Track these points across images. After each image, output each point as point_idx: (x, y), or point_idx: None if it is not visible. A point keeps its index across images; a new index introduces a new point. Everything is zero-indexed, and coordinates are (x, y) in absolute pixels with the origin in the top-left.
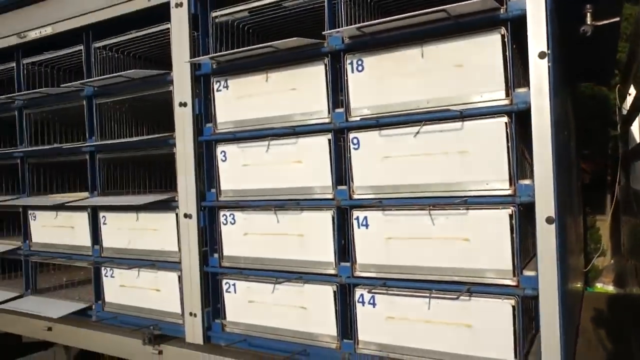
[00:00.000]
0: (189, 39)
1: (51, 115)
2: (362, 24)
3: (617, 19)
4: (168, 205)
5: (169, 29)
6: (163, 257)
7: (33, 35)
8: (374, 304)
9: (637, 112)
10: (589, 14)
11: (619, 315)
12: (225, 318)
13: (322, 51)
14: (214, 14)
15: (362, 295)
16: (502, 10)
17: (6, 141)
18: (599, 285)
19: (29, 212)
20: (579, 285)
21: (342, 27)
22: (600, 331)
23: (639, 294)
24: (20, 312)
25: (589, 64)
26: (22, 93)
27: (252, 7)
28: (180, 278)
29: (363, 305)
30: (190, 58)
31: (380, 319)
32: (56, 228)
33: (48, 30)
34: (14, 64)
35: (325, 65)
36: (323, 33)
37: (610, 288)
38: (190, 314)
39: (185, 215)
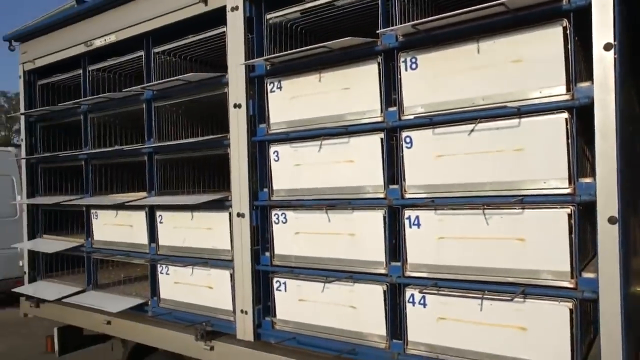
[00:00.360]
0: (244, 41)
1: (113, 118)
2: (417, 22)
3: None
4: (222, 205)
5: (224, 32)
6: (216, 255)
7: (98, 43)
8: (424, 305)
9: None
10: None
11: None
12: (275, 316)
13: (376, 50)
14: (268, 16)
15: (412, 295)
16: (564, 1)
17: (70, 144)
18: None
19: (92, 211)
20: None
21: (395, 25)
22: None
23: None
24: (82, 305)
25: None
26: (87, 98)
27: (305, 8)
28: (232, 276)
29: (413, 305)
30: (245, 60)
31: (430, 320)
32: (116, 226)
33: (112, 38)
34: (80, 71)
35: (379, 63)
36: (377, 32)
37: None
38: (242, 311)
39: (238, 215)
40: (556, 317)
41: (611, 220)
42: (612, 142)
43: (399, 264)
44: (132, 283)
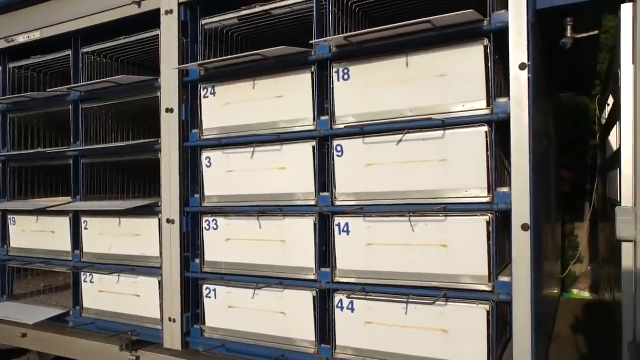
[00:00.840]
0: (178, 45)
1: (36, 119)
2: (349, 34)
3: (597, 32)
4: (151, 211)
5: (158, 35)
6: (144, 262)
7: (21, 39)
8: (352, 309)
9: (614, 122)
10: (569, 27)
11: (593, 321)
12: (204, 323)
13: (310, 60)
14: (203, 22)
15: (341, 300)
16: (485, 22)
17: None
18: (575, 291)
19: (9, 216)
20: (555, 291)
21: (329, 36)
22: (574, 337)
23: (612, 300)
24: None
25: (569, 75)
26: (7, 97)
27: (242, 15)
28: (160, 283)
29: (342, 310)
30: (179, 65)
31: (358, 324)
32: (36, 233)
33: (36, 35)
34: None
35: (312, 73)
36: (311, 42)
37: (587, 294)
38: (170, 319)
39: (168, 221)
40: (474, 319)
41: (524, 228)
42: (526, 155)
43: (328, 270)
44: (53, 293)
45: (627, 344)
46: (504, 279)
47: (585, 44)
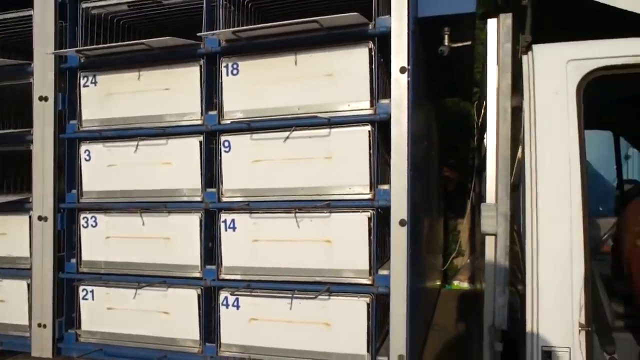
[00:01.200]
0: (54, 28)
1: None
2: (238, 28)
3: (470, 42)
4: (20, 207)
5: (31, 15)
6: (10, 263)
7: None
8: (237, 307)
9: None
10: (446, 36)
11: (468, 309)
12: (80, 327)
13: (198, 52)
14: (84, 5)
15: (226, 297)
16: (370, 25)
17: None
18: (456, 282)
19: None
20: (437, 282)
21: (219, 29)
22: (450, 324)
23: (482, 289)
24: None
25: (451, 82)
26: None
27: (131, 1)
28: (29, 286)
29: (227, 307)
30: (55, 49)
31: (243, 321)
32: None
33: None
34: None
35: (201, 66)
36: (199, 34)
37: (465, 285)
38: (39, 325)
39: (40, 218)
40: (355, 311)
41: (401, 223)
42: (404, 154)
43: (214, 267)
44: None
45: (487, 328)
46: (383, 272)
47: (464, 53)
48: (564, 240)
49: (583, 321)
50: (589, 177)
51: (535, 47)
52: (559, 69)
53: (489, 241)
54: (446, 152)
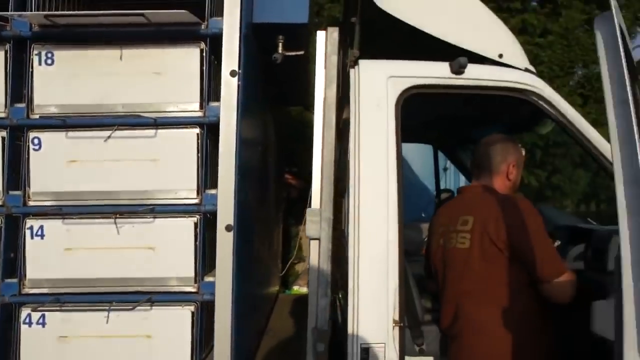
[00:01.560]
0: None
1: None
2: (51, 12)
3: (302, 52)
4: None
5: None
6: None
7: None
8: (43, 324)
9: None
10: (280, 44)
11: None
12: None
13: (3, 35)
14: None
15: (29, 315)
16: (203, 26)
17: None
18: (295, 287)
19: None
20: (273, 288)
21: (30, 11)
22: (284, 328)
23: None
24: None
25: (292, 90)
26: None
27: None
28: None
29: (30, 326)
30: None
31: (50, 341)
32: None
33: None
34: None
35: (6, 52)
36: (2, 14)
37: (305, 289)
38: None
39: None
40: (179, 321)
41: (228, 228)
42: (232, 158)
43: (15, 280)
44: None
45: (310, 330)
46: (209, 279)
47: (304, 63)
48: (382, 245)
49: (397, 318)
50: (414, 187)
51: (361, 61)
52: (381, 84)
53: (314, 245)
54: (289, 160)
